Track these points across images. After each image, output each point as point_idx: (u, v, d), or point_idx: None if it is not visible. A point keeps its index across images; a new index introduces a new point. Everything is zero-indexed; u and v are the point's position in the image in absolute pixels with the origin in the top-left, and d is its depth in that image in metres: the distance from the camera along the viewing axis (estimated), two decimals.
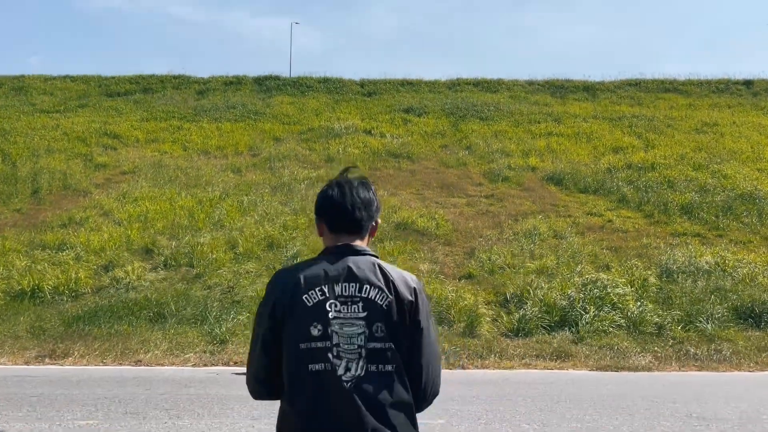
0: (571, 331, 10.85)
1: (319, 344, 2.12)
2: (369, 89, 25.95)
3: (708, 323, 10.72)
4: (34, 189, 17.51)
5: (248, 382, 2.30)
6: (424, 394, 2.24)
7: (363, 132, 21.32)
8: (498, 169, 18.36)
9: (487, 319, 11.23)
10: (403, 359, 2.16)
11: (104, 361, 9.20)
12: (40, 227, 15.18)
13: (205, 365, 9.20)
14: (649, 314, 10.97)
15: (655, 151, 18.83)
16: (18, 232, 15.00)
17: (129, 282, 12.76)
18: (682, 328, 10.69)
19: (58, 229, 14.99)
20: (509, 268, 13.22)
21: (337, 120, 22.17)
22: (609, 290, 11.68)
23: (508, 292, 12.13)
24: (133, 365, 9.05)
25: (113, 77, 26.95)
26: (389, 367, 2.14)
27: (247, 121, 22.52)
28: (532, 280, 12.43)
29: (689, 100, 22.91)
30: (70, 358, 9.23)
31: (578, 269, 12.84)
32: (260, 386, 2.26)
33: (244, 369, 2.64)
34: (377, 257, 2.29)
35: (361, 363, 2.12)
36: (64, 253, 13.69)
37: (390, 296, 2.17)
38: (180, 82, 26.80)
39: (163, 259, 13.71)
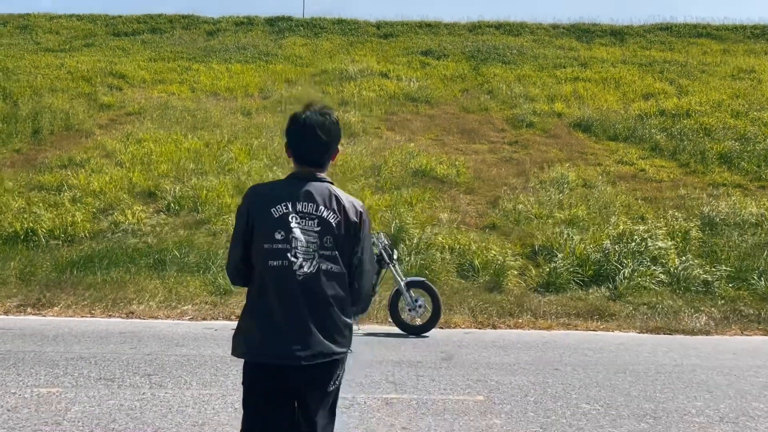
0: (608, 288, 9.63)
1: (281, 246, 2.62)
2: (385, 31, 24.28)
3: (761, 280, 9.45)
4: (34, 129, 16.27)
5: (227, 269, 2.79)
6: (360, 289, 2.75)
7: (379, 75, 19.82)
8: (522, 115, 16.90)
9: (514, 272, 10.01)
10: (345, 264, 2.68)
11: (92, 312, 8.10)
12: (39, 168, 14.01)
13: (204, 319, 8.09)
14: (694, 270, 9.71)
15: (689, 98, 17.27)
16: (15, 173, 13.84)
17: (129, 226, 11.61)
18: (732, 286, 9.44)
19: (57, 170, 13.81)
20: (536, 218, 11.95)
21: (352, 62, 20.65)
22: (648, 243, 10.40)
23: (537, 244, 10.90)
24: (123, 317, 7.94)
25: (121, 16, 25.41)
26: (335, 269, 2.65)
27: (258, 63, 21.04)
28: (561, 232, 11.18)
29: (723, 46, 21.17)
30: (55, 308, 8.13)
31: (612, 220, 11.55)
32: (236, 272, 2.74)
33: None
34: (332, 184, 2.76)
35: (313, 263, 2.62)
36: (61, 195, 12.54)
37: (339, 216, 2.68)
38: (189, 22, 25.22)
39: (166, 203, 12.52)
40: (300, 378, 2.61)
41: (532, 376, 5.58)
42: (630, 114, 16.70)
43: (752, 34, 22.09)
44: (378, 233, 7.57)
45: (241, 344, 2.64)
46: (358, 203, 2.77)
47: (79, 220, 11.65)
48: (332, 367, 2.67)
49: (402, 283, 7.39)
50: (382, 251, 7.33)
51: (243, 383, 2.70)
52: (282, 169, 13.76)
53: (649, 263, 10.02)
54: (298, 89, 18.94)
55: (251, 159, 14.46)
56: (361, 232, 2.71)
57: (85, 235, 11.41)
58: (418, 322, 7.51)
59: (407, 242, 10.91)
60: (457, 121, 17.13)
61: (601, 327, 8.02)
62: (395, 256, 7.37)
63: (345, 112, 17.03)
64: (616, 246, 10.39)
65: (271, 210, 2.63)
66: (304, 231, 2.62)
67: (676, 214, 11.77)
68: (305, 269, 2.60)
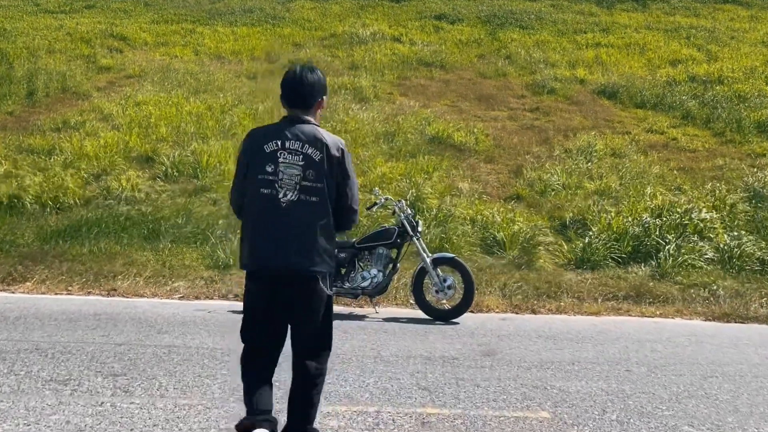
0: (650, 265, 8.33)
1: (270, 177, 3.02)
2: None
3: None
4: (29, 91, 14.88)
5: (231, 201, 3.30)
6: (349, 211, 3.15)
7: (391, 39, 18.32)
8: (542, 81, 15.44)
9: (546, 247, 8.72)
10: (331, 194, 3.05)
11: (69, 288, 6.84)
12: (30, 130, 12.69)
13: (197, 298, 6.83)
14: (747, 246, 8.41)
15: (720, 64, 15.78)
16: (5, 136, 12.53)
17: (123, 193, 10.33)
18: None
19: (50, 134, 12.49)
20: (564, 189, 10.62)
21: (363, 27, 19.14)
22: (692, 215, 9.07)
23: (568, 217, 9.59)
24: (104, 295, 6.69)
25: None
26: (314, 199, 3.01)
27: (264, 26, 19.53)
28: (593, 203, 9.86)
29: (751, 12, 19.58)
30: (27, 284, 6.88)
31: (648, 191, 10.21)
32: (238, 203, 3.18)
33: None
34: (318, 126, 3.14)
35: (294, 193, 3.00)
36: (51, 160, 11.25)
37: (322, 154, 3.04)
38: None
39: (164, 168, 11.23)
40: (288, 290, 2.99)
41: (602, 381, 4.32)
42: (657, 80, 15.22)
43: None
44: (399, 201, 6.31)
45: (243, 256, 3.09)
46: (340, 141, 3.12)
47: (71, 185, 10.38)
48: (314, 284, 3.00)
49: (428, 260, 6.11)
50: (404, 221, 6.06)
51: (244, 294, 3.14)
52: None
53: (694, 238, 8.71)
54: (306, 53, 17.50)
55: (256, 123, 13.12)
56: (344, 164, 3.08)
57: (75, 202, 10.13)
58: (446, 305, 6.24)
59: (425, 213, 9.61)
60: (474, 86, 15.69)
61: (658, 313, 6.72)
62: (419, 228, 6.11)
63: (356, 77, 15.63)
64: (656, 219, 9.06)
65: (264, 147, 3.03)
66: (289, 165, 2.98)
67: (718, 185, 10.42)
68: (288, 197, 2.97)
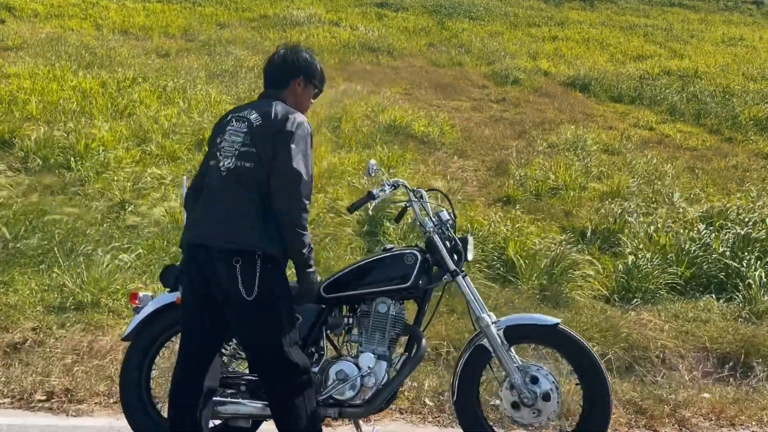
0: (724, 297, 5.29)
1: (216, 149, 2.60)
2: None
3: None
4: None
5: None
6: (280, 208, 2.45)
7: (329, 23, 14.92)
8: (504, 71, 12.47)
9: (581, 272, 5.52)
10: (267, 170, 2.47)
11: None
12: None
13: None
14: None
15: (691, 61, 13.32)
16: None
17: None
18: None
19: None
20: (566, 190, 7.52)
21: (297, 9, 15.60)
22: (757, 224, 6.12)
23: (588, 227, 6.46)
24: None
25: None
26: (248, 164, 2.49)
27: (183, 4, 15.66)
28: (612, 210, 6.81)
29: (700, 15, 17.47)
30: None
31: (676, 196, 7.25)
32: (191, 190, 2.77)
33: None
34: (283, 102, 2.65)
35: (233, 160, 2.52)
36: None
37: (267, 121, 2.53)
38: None
39: (22, 155, 7.33)
40: (213, 268, 2.44)
41: None
42: (629, 74, 12.54)
43: (725, 6, 18.49)
44: (417, 191, 2.89)
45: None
46: (299, 116, 2.59)
47: None
48: (233, 262, 2.40)
49: (493, 327, 2.67)
50: (435, 236, 2.69)
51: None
52: (205, 117, 8.78)
53: None
54: (230, 32, 13.79)
55: (164, 105, 9.35)
56: (290, 141, 2.49)
57: None
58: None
59: (393, 220, 6.24)
60: (427, 75, 12.51)
61: None
62: (469, 256, 2.71)
63: None
64: (715, 232, 6.05)
65: (224, 120, 2.68)
66: (234, 133, 2.57)
67: (752, 189, 7.58)
68: (226, 165, 2.53)
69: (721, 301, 5.23)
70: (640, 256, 5.67)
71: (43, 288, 4.61)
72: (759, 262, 5.52)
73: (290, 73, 2.70)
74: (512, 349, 2.63)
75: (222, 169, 2.51)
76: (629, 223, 6.29)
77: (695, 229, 6.07)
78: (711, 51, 14.21)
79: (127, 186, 6.71)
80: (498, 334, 2.61)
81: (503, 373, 2.59)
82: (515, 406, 2.58)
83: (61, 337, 4.11)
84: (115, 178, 6.83)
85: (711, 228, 6.10)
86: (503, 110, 10.89)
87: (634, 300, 5.28)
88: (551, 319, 2.67)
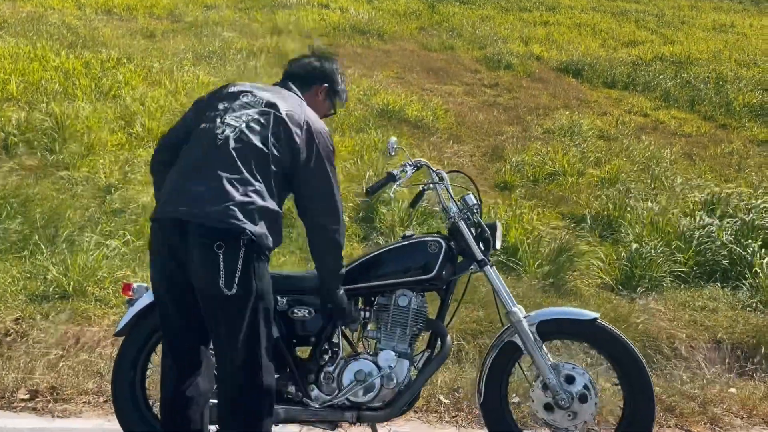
0: (731, 285, 5.15)
1: (216, 113, 2.34)
2: None
3: None
4: None
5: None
6: (319, 212, 2.36)
7: (318, 6, 14.54)
8: (496, 55, 12.22)
9: (585, 260, 5.35)
10: (290, 166, 2.30)
11: None
12: None
13: None
14: None
15: (682, 47, 13.17)
16: None
17: None
18: None
19: None
20: (564, 176, 7.35)
21: None
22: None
23: (588, 213, 6.29)
24: None
25: None
26: (259, 145, 2.25)
27: None
28: (612, 195, 6.65)
29: (690, 2, 17.32)
30: None
31: (677, 181, 7.12)
32: (156, 151, 2.62)
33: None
34: (297, 95, 2.51)
35: (236, 131, 2.25)
36: None
37: (274, 111, 2.32)
38: None
39: (3, 136, 6.98)
40: (187, 250, 2.10)
41: None
42: (621, 60, 12.37)
43: None
44: (438, 172, 2.68)
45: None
46: (309, 118, 2.40)
47: None
48: (214, 248, 2.07)
49: (524, 322, 2.45)
50: (460, 222, 2.47)
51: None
52: (192, 98, 8.44)
53: None
54: (217, 14, 13.38)
55: (150, 86, 8.99)
56: (329, 160, 2.39)
57: None
58: None
59: (391, 204, 6.06)
60: (419, 58, 12.22)
61: None
62: (497, 244, 2.49)
63: (280, 41, 11.77)
64: (716, 219, 5.91)
65: (229, 88, 2.48)
66: (247, 105, 2.33)
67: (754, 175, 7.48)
68: (226, 133, 2.24)
69: (726, 289, 5.09)
70: (643, 243, 5.51)
71: (26, 276, 4.33)
72: (764, 249, 5.38)
73: (317, 78, 2.60)
74: (544, 345, 2.43)
75: (219, 137, 2.21)
76: (630, 209, 6.13)
77: (698, 216, 5.92)
78: (702, 37, 14.08)
79: (114, 169, 6.41)
80: (531, 330, 2.40)
81: (534, 372, 2.38)
82: (548, 408, 2.37)
83: (45, 329, 3.85)
84: (101, 161, 6.52)
85: (713, 215, 5.96)
86: (497, 95, 10.67)
87: (639, 289, 5.13)
88: (589, 314, 2.45)
